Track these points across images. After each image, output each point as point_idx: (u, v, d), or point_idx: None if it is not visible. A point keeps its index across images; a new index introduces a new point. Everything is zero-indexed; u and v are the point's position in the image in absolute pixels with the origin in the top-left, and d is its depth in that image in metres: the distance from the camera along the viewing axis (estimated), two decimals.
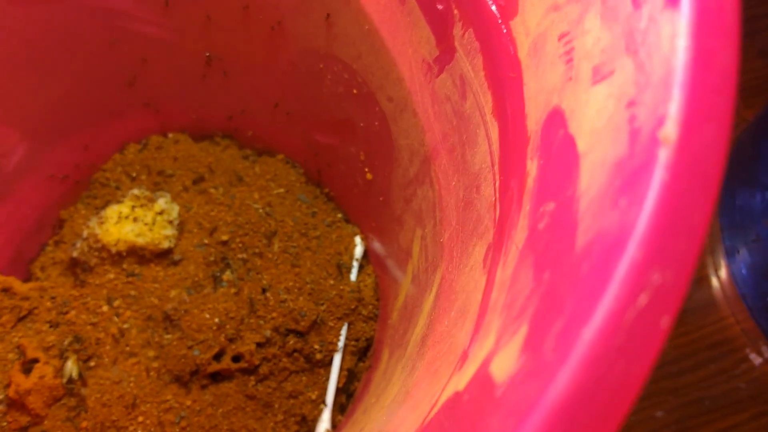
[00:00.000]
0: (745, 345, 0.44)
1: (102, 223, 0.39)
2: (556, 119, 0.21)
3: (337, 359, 0.39)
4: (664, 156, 0.14)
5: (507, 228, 0.22)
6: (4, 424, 0.37)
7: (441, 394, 0.21)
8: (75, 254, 0.40)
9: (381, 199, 0.39)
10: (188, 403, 0.37)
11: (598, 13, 0.19)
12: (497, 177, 0.25)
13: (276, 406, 0.38)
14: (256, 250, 0.40)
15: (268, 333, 0.37)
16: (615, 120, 0.17)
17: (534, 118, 0.22)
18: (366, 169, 0.39)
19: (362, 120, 0.37)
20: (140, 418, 0.37)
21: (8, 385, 0.37)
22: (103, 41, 0.38)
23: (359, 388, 0.40)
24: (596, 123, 0.18)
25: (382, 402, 0.31)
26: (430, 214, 0.32)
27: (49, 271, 0.41)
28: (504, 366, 0.16)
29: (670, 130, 0.14)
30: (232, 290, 0.38)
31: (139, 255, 0.40)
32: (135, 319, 0.39)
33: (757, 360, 0.43)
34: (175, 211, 0.40)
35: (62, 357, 0.38)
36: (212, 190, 0.42)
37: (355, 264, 0.41)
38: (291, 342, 0.38)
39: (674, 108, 0.14)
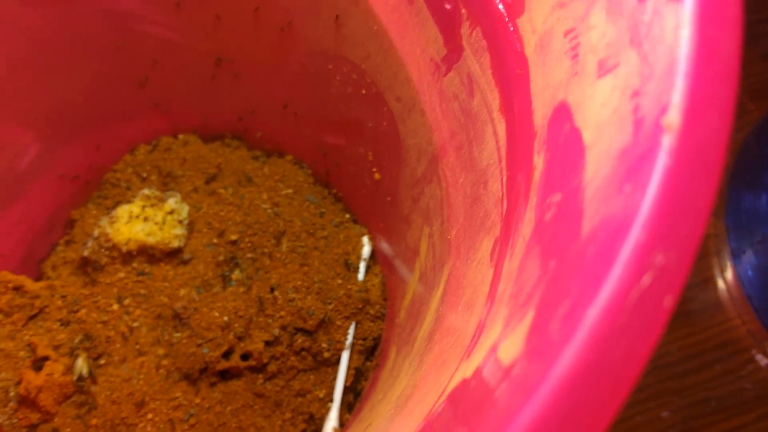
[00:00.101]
0: (751, 346, 0.44)
1: (113, 222, 0.40)
2: (562, 113, 0.21)
3: (344, 358, 0.39)
4: (667, 142, 0.14)
5: (514, 221, 0.23)
6: (15, 420, 0.37)
7: (448, 384, 0.21)
8: (86, 253, 0.40)
9: (389, 198, 0.39)
10: (197, 400, 0.37)
11: (603, 8, 0.19)
12: (504, 172, 0.25)
13: (284, 404, 0.38)
14: (265, 250, 0.40)
15: (276, 331, 0.38)
16: (620, 111, 0.17)
17: (540, 113, 0.23)
18: (374, 169, 0.39)
19: (371, 120, 0.38)
20: (149, 416, 0.37)
21: (19, 383, 0.37)
22: (114, 43, 0.39)
23: (366, 387, 0.40)
24: (601, 115, 0.18)
25: (389, 398, 0.31)
26: (438, 212, 0.33)
27: (60, 270, 0.41)
28: (511, 350, 0.16)
29: (673, 117, 0.14)
30: (241, 289, 0.39)
31: (149, 254, 0.40)
32: (145, 317, 0.39)
33: (763, 361, 0.43)
34: (185, 210, 0.41)
35: (72, 355, 0.38)
36: (222, 191, 0.42)
37: (363, 264, 0.42)
38: (299, 341, 0.38)
39: (677, 96, 0.15)
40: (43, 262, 0.42)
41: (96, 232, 0.40)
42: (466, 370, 0.20)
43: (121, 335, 0.39)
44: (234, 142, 0.45)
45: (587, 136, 0.19)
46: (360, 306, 0.40)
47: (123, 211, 0.40)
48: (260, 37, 0.38)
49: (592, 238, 0.15)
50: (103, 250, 0.40)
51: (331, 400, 0.39)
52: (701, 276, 0.46)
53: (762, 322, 0.43)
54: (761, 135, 0.45)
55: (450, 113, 0.30)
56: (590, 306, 0.13)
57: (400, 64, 0.33)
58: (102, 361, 0.38)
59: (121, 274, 0.40)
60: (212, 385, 0.38)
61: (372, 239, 0.42)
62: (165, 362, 0.38)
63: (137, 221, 0.40)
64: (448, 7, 0.29)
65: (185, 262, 0.40)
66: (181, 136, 0.44)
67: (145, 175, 0.43)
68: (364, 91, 0.37)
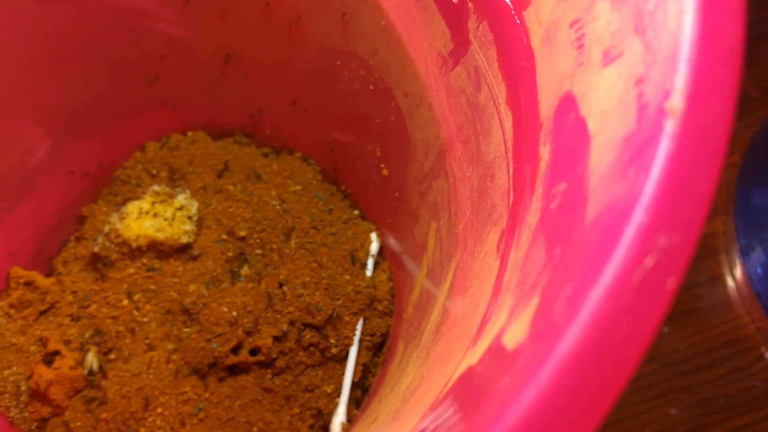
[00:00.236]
0: (760, 343, 0.44)
1: (123, 218, 0.40)
2: (567, 104, 0.21)
3: (352, 353, 0.39)
4: (670, 126, 0.14)
5: (520, 212, 0.23)
6: (26, 414, 0.37)
7: (454, 372, 0.21)
8: (96, 249, 0.40)
9: (397, 194, 0.39)
10: (206, 395, 0.38)
11: None
12: (511, 164, 0.25)
13: (292, 399, 0.38)
14: (274, 246, 0.40)
15: (284, 327, 0.38)
16: (624, 98, 0.17)
17: (547, 104, 0.23)
18: (382, 165, 0.39)
19: (378, 116, 0.38)
20: (159, 410, 0.37)
21: (30, 377, 0.37)
22: (123, 40, 0.39)
23: (374, 383, 0.40)
24: (606, 103, 0.18)
25: (396, 391, 0.31)
26: (445, 207, 0.33)
27: (71, 266, 0.41)
28: (516, 335, 0.16)
29: (677, 101, 0.14)
30: (250, 285, 0.39)
31: (159, 250, 0.40)
32: (154, 312, 0.39)
33: None
34: (194, 207, 0.41)
35: (83, 349, 0.38)
36: (230, 187, 0.43)
37: (371, 260, 0.42)
38: (307, 336, 0.38)
39: (680, 81, 0.15)
40: (54, 258, 0.42)
41: (106, 228, 0.41)
42: (472, 358, 0.20)
43: (131, 330, 0.39)
44: (243, 139, 0.45)
45: (592, 125, 0.19)
46: (368, 302, 0.40)
47: (133, 207, 0.41)
48: (269, 34, 0.38)
49: (596, 224, 0.15)
50: (113, 246, 0.40)
51: (339, 396, 0.39)
52: (710, 273, 0.45)
53: None
54: None
55: (457, 107, 0.30)
56: (593, 287, 0.13)
57: (407, 59, 0.33)
58: (112, 356, 0.38)
59: (131, 270, 0.40)
60: (221, 380, 0.38)
61: (380, 235, 0.42)
62: (174, 357, 0.38)
63: (147, 217, 0.40)
64: (455, 1, 0.29)
65: (194, 258, 0.40)
66: (190, 134, 0.45)
67: (154, 171, 0.44)
68: (371, 87, 0.37)
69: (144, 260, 0.40)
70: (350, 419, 0.39)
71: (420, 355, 0.30)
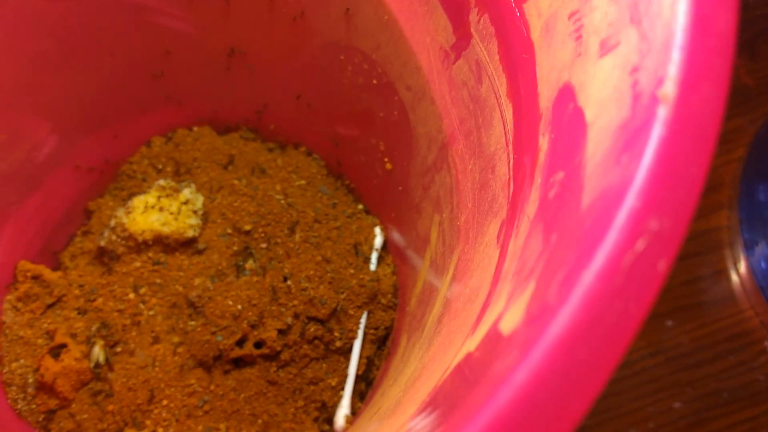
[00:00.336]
0: (763, 337, 0.44)
1: (129, 212, 0.41)
2: (566, 94, 0.21)
3: (356, 347, 0.40)
4: (662, 113, 0.15)
5: (520, 202, 0.23)
6: (34, 406, 0.38)
7: (453, 360, 0.21)
8: (102, 243, 0.41)
9: (400, 188, 0.39)
10: (211, 387, 0.38)
11: None
12: (511, 156, 0.25)
13: (297, 391, 0.39)
14: (278, 240, 0.41)
15: (289, 320, 0.38)
16: (620, 87, 0.17)
17: (546, 95, 0.23)
18: (385, 159, 0.40)
19: (382, 110, 0.38)
20: (165, 402, 0.38)
21: (38, 369, 0.38)
22: (130, 36, 0.39)
23: (378, 376, 0.40)
24: (603, 93, 0.18)
25: (399, 382, 0.31)
26: (448, 200, 0.33)
27: (78, 260, 0.42)
28: (512, 320, 0.17)
29: (669, 88, 0.15)
30: (255, 278, 0.39)
31: (165, 244, 0.41)
32: (160, 306, 0.40)
33: None
34: (199, 201, 0.41)
35: (89, 342, 0.39)
36: (236, 182, 0.43)
37: (375, 254, 0.42)
38: (312, 329, 0.39)
39: (673, 69, 0.15)
40: (61, 252, 0.43)
41: (112, 223, 0.41)
42: (470, 345, 0.20)
43: (137, 323, 0.39)
44: (248, 134, 0.45)
45: (589, 115, 0.19)
46: (372, 296, 0.40)
47: (139, 201, 0.41)
48: (273, 28, 0.39)
49: (590, 210, 0.16)
50: (119, 240, 0.40)
51: (343, 389, 0.39)
52: (714, 268, 0.46)
53: None
54: None
55: (459, 100, 0.31)
56: (585, 270, 0.13)
57: (410, 53, 0.33)
58: (118, 349, 0.39)
59: (137, 264, 0.40)
60: (226, 372, 0.38)
61: (384, 229, 0.43)
62: (180, 350, 0.39)
63: (153, 211, 0.40)
64: None
65: (200, 252, 0.41)
66: (195, 129, 0.45)
67: (160, 166, 0.44)
68: (375, 81, 0.37)
69: (150, 254, 0.41)
70: (354, 412, 0.39)
71: (422, 346, 0.30)
